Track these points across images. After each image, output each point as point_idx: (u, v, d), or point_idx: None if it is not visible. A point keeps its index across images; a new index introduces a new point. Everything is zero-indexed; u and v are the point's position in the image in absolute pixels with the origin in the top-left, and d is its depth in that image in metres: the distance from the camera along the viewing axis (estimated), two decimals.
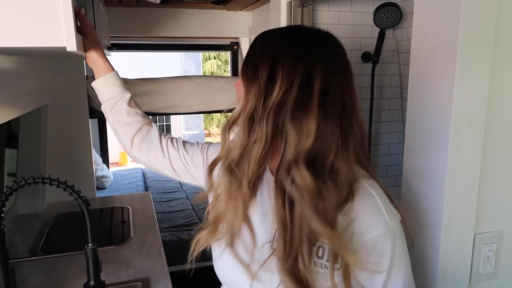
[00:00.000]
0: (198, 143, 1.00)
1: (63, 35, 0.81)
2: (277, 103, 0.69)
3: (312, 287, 0.71)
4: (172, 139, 1.02)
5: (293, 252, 0.70)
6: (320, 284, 0.73)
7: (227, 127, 0.77)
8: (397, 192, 0.99)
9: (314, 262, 0.72)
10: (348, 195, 0.72)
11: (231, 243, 0.79)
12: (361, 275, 0.74)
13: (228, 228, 0.79)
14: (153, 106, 2.28)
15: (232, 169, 0.76)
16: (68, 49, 0.83)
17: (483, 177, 0.91)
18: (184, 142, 1.01)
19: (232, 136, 0.78)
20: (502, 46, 0.86)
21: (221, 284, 0.94)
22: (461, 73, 0.83)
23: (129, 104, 1.02)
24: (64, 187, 0.95)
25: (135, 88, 2.21)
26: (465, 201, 0.90)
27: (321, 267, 0.73)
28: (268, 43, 0.75)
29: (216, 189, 0.82)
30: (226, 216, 0.79)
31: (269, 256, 0.74)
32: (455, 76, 0.83)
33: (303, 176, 0.69)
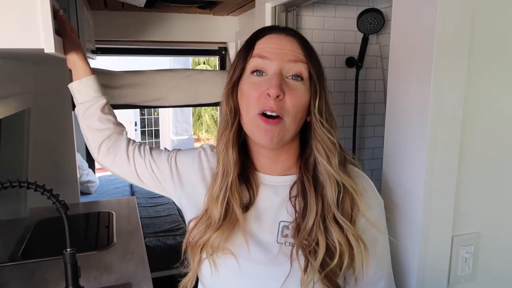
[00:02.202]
0: (165, 150, 0.98)
1: (41, 36, 0.80)
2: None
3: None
4: (140, 146, 0.99)
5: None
6: None
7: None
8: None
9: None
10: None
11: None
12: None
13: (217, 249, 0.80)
14: (138, 98, 2.26)
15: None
16: (46, 51, 0.82)
17: (460, 180, 0.92)
18: (151, 150, 0.98)
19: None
20: (477, 51, 0.88)
21: None
22: (437, 77, 0.84)
23: (102, 110, 1.01)
24: (41, 190, 0.93)
25: (120, 80, 2.20)
26: (442, 204, 0.91)
27: None
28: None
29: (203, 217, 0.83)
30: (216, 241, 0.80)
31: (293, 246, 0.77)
32: (431, 80, 0.84)
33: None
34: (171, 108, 8.49)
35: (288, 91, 0.72)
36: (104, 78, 2.14)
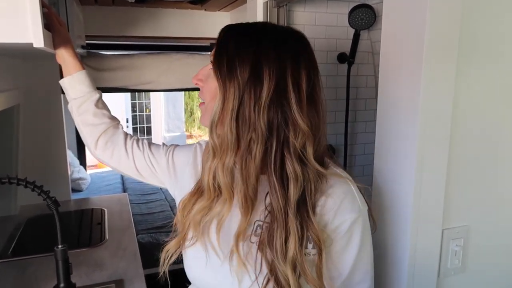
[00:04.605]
0: (163, 144, 0.99)
1: (29, 30, 0.80)
2: (268, 101, 0.70)
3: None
4: (137, 140, 1.01)
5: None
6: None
7: (213, 129, 0.75)
8: (370, 191, 1.01)
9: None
10: (322, 180, 0.76)
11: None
12: (327, 262, 0.76)
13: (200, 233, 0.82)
14: (129, 81, 2.24)
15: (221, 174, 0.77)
16: (35, 46, 0.81)
17: (450, 174, 0.93)
18: (149, 144, 1.00)
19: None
20: (467, 46, 0.89)
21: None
22: (427, 72, 0.85)
23: (96, 105, 1.00)
24: (32, 187, 0.93)
25: (111, 63, 2.18)
26: (433, 198, 0.92)
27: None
28: (245, 41, 0.73)
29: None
30: (199, 222, 0.81)
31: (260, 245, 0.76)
32: (421, 75, 0.85)
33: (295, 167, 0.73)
34: (163, 105, 8.45)
35: (205, 81, 0.81)
36: (95, 61, 2.12)
